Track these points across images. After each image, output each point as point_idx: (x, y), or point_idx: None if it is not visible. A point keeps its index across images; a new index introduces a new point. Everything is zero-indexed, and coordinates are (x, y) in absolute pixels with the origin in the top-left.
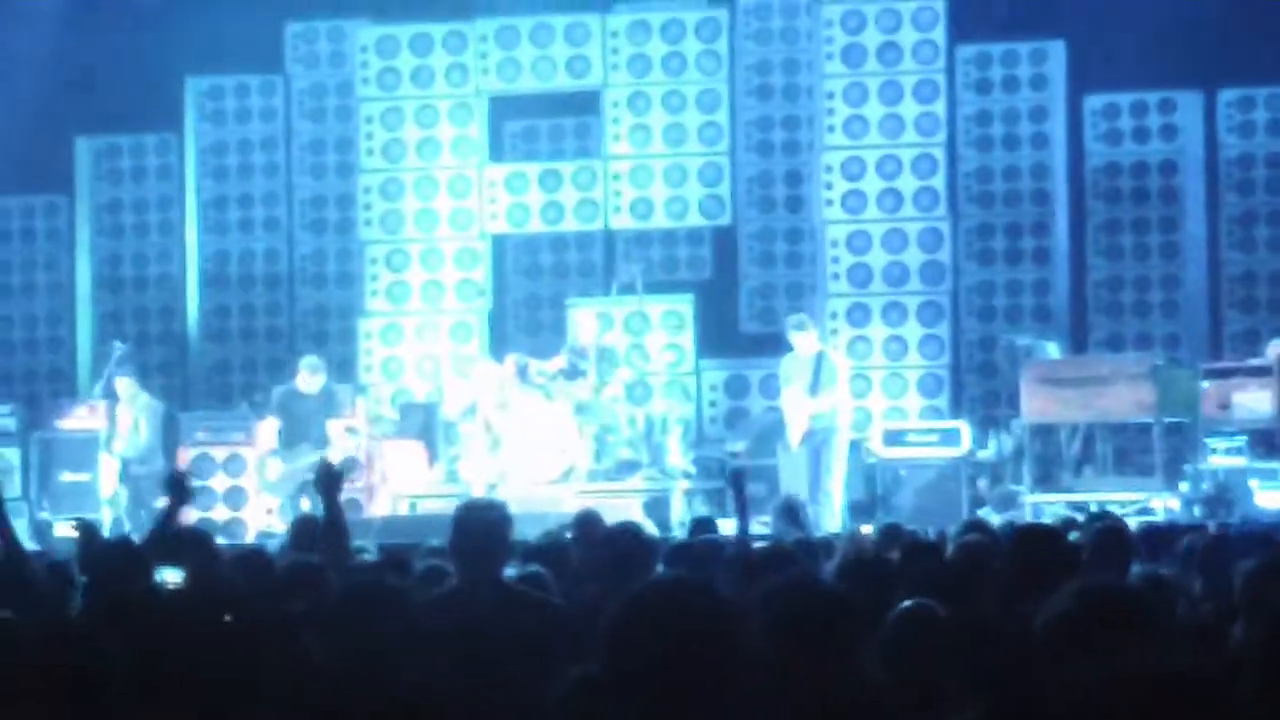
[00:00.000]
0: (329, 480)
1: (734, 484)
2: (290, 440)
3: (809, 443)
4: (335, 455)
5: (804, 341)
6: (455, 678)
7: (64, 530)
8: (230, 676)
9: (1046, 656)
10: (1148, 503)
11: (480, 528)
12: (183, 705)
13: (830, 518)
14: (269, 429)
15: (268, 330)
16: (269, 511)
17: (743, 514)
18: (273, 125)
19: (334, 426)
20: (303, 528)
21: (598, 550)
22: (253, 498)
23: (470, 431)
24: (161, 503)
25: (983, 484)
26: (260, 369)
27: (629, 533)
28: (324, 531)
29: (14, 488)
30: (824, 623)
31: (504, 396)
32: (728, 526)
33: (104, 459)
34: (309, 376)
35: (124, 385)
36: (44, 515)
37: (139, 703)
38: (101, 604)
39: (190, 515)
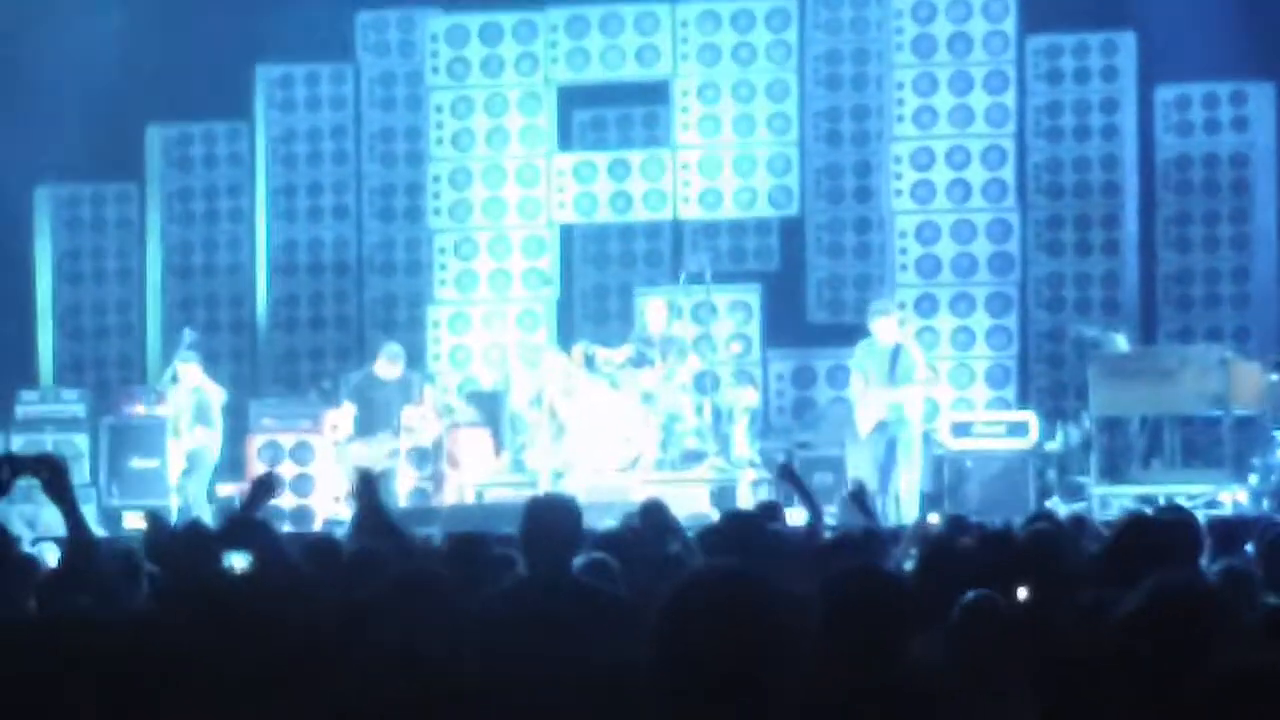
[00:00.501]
0: (365, 486)
1: (787, 476)
2: (367, 427)
3: (882, 433)
4: (407, 443)
5: (884, 329)
6: (512, 669)
7: (133, 521)
8: (287, 668)
9: (1120, 651)
10: (1216, 495)
11: (551, 520)
12: (246, 693)
13: (903, 509)
14: (345, 415)
15: (336, 318)
16: (336, 499)
17: (810, 502)
18: (343, 114)
19: (409, 414)
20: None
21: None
22: (320, 485)
23: (537, 420)
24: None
25: (1051, 475)
26: (329, 357)
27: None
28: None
29: (83, 474)
30: (882, 609)
31: (570, 384)
32: (796, 516)
33: (172, 445)
34: (388, 364)
35: (190, 371)
36: (113, 502)
37: (209, 692)
38: (172, 591)
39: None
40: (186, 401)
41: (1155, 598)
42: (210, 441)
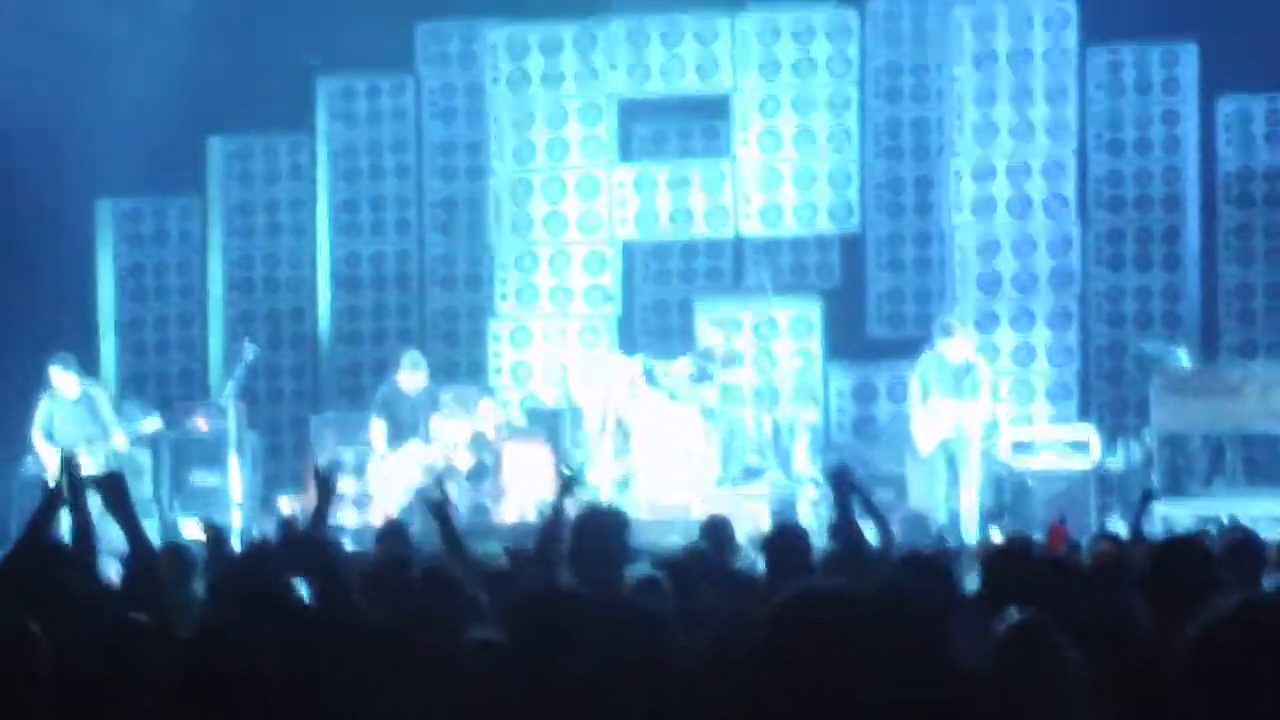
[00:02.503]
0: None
1: (842, 482)
2: (397, 440)
3: (945, 449)
4: (439, 454)
5: (954, 347)
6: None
7: (192, 532)
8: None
9: (1196, 667)
10: None
11: (596, 534)
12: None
13: (965, 527)
14: (377, 431)
15: (398, 332)
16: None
17: (870, 508)
18: (403, 126)
19: (438, 423)
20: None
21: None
22: (379, 501)
23: (604, 438)
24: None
25: (1112, 493)
26: (390, 371)
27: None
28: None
29: (145, 488)
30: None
31: (634, 389)
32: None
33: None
34: (410, 373)
35: (67, 380)
36: (175, 517)
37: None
38: (234, 609)
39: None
40: (73, 413)
41: (1242, 615)
42: (117, 446)
